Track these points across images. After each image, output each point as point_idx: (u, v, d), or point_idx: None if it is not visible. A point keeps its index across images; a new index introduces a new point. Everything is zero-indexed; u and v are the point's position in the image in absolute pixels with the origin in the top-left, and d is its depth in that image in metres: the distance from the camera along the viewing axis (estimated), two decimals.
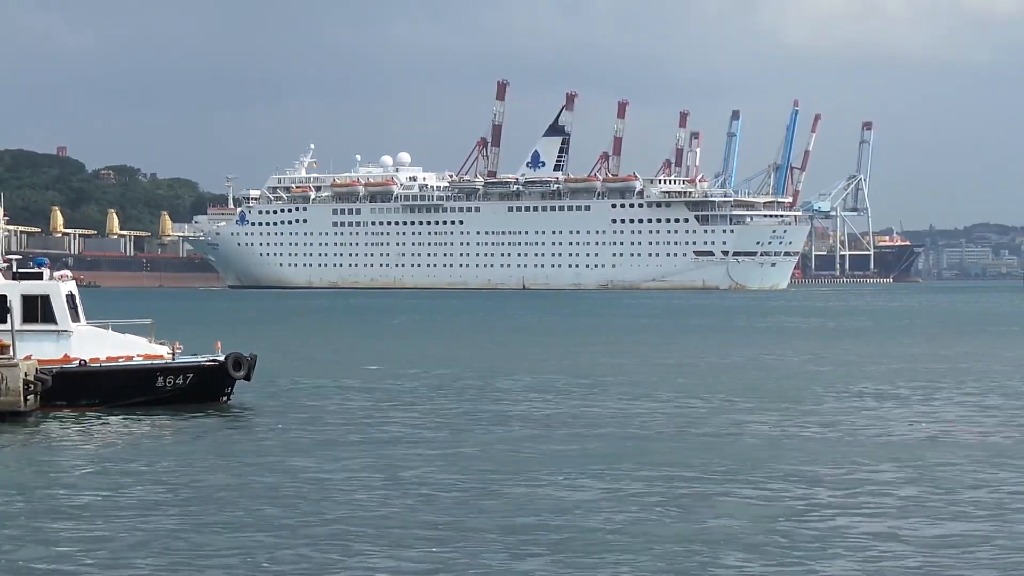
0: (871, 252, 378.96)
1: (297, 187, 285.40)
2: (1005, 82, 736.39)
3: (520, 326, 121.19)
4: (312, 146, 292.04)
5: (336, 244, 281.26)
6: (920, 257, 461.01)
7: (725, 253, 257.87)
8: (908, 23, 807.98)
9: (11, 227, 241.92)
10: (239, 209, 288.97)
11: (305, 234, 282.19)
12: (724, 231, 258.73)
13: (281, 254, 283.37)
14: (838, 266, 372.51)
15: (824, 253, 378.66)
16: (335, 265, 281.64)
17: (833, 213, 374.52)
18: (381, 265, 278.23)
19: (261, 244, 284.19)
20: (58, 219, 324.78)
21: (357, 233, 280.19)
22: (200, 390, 49.47)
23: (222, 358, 49.89)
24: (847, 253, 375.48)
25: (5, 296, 48.88)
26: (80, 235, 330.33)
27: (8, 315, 48.15)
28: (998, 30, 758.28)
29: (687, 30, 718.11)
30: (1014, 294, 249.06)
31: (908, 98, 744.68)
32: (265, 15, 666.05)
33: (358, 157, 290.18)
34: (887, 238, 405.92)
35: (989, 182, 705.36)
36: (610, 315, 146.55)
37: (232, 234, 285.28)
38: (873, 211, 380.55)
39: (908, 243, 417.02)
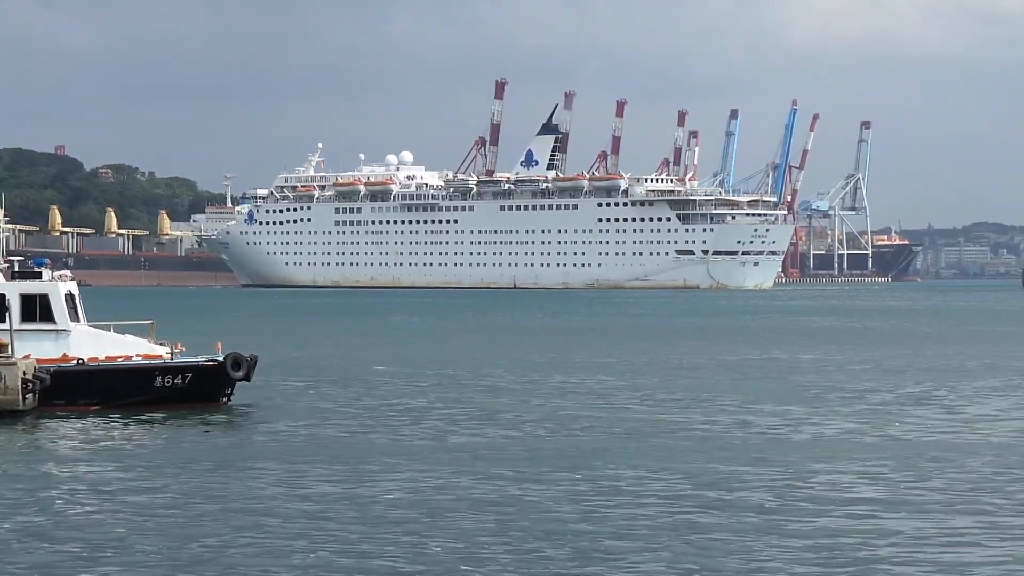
0: (869, 251, 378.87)
1: (303, 186, 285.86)
2: (1005, 81, 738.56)
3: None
4: (320, 145, 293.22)
5: (338, 243, 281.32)
6: (919, 256, 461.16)
7: (705, 252, 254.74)
8: (912, 21, 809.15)
9: (9, 226, 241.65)
10: (240, 208, 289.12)
11: (309, 233, 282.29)
12: (704, 230, 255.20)
13: (287, 253, 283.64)
14: (836, 265, 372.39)
15: (822, 252, 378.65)
16: (337, 264, 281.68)
17: (831, 212, 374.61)
18: (381, 264, 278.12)
19: (268, 243, 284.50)
20: (56, 218, 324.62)
21: (358, 232, 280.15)
22: (199, 390, 49.26)
23: (221, 358, 49.71)
24: (845, 252, 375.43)
25: (4, 295, 48.82)
26: (78, 234, 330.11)
27: (7, 314, 48.10)
28: (1002, 28, 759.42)
29: (687, 29, 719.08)
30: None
31: (907, 97, 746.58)
32: (263, 14, 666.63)
33: (362, 156, 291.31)
34: (885, 237, 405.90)
35: (988, 181, 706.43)
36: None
37: (241, 233, 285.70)
38: (871, 210, 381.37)
39: (907, 242, 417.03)
